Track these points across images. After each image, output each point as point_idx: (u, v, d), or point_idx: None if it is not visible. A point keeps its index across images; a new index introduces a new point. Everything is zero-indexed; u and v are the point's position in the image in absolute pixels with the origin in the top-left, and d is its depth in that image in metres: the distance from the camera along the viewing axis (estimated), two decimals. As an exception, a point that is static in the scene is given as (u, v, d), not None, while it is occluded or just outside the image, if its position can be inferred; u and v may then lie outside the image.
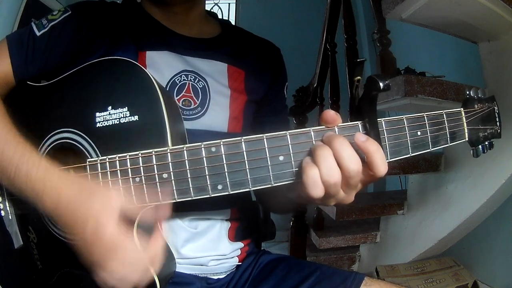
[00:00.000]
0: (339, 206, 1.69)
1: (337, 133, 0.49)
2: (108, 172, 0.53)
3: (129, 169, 0.52)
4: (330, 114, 0.49)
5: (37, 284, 0.66)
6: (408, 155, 0.52)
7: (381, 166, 0.46)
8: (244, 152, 0.49)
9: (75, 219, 0.50)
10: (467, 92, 0.58)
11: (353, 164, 0.46)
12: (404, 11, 1.28)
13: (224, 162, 0.49)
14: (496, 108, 0.59)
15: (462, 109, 0.56)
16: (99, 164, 0.54)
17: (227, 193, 0.50)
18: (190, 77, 0.74)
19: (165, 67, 0.73)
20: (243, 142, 0.49)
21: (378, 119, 0.49)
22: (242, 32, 0.91)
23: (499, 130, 0.59)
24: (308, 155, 0.49)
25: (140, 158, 0.52)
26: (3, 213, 0.67)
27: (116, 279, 0.49)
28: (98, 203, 0.50)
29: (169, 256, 0.67)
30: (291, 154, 0.49)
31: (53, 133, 0.61)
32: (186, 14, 0.79)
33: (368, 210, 1.75)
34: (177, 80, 0.73)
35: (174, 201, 0.51)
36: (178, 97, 0.73)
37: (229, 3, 3.78)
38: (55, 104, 0.63)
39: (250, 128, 0.82)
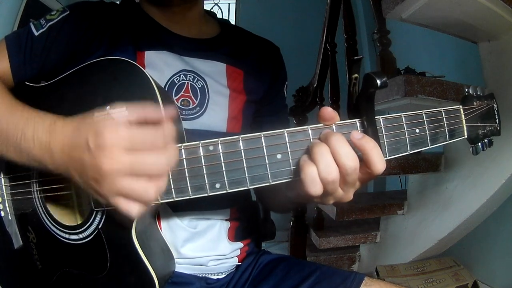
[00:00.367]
0: (339, 206, 1.69)
1: (335, 131, 0.49)
2: None
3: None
4: (328, 111, 0.49)
5: (37, 284, 0.66)
6: (407, 153, 0.52)
7: (378, 163, 0.46)
8: (242, 151, 0.49)
9: (78, 144, 0.46)
10: (466, 90, 0.58)
11: (350, 161, 0.45)
12: (404, 11, 1.28)
13: (222, 160, 0.49)
14: (495, 105, 0.59)
15: (460, 106, 0.56)
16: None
17: (225, 191, 0.50)
18: (189, 76, 0.74)
19: (164, 67, 0.73)
20: (240, 141, 0.49)
21: (376, 117, 0.49)
22: (241, 31, 0.91)
23: (498, 128, 0.59)
24: (305, 153, 0.49)
25: (139, 157, 0.52)
26: (2, 213, 0.67)
27: (136, 183, 0.44)
28: (98, 118, 0.48)
29: (168, 256, 0.67)
30: (289, 152, 0.49)
31: (52, 132, 0.61)
32: (185, 14, 0.79)
33: (368, 210, 1.75)
34: (176, 79, 0.73)
35: (173, 200, 0.51)
36: (177, 96, 0.73)
37: (229, 3, 3.79)
38: (53, 104, 0.63)
39: (250, 128, 0.82)
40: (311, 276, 0.73)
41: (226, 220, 0.78)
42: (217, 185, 0.50)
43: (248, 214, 0.85)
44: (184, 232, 0.72)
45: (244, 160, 0.49)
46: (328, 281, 0.72)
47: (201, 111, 0.74)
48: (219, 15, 0.92)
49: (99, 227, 0.58)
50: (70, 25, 0.70)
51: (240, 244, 0.81)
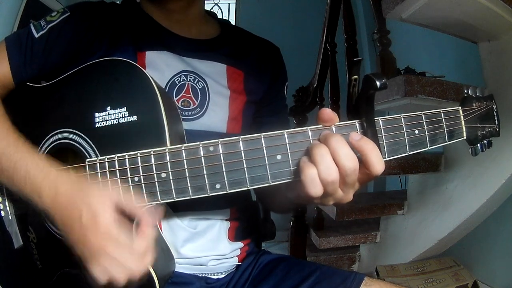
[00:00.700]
0: (339, 206, 1.69)
1: (334, 131, 0.50)
2: (107, 171, 0.54)
3: (128, 169, 0.53)
4: (327, 112, 0.49)
5: (37, 284, 0.66)
6: (406, 154, 0.52)
7: (377, 164, 0.46)
8: (242, 151, 0.49)
9: (71, 209, 0.51)
10: (465, 91, 0.58)
11: (350, 162, 0.46)
12: (404, 11, 1.28)
13: (222, 161, 0.49)
14: (494, 106, 0.59)
15: (460, 107, 0.56)
16: (98, 164, 0.54)
17: (225, 192, 0.50)
18: (190, 77, 0.75)
19: (165, 67, 0.73)
20: (240, 142, 0.49)
21: (375, 118, 0.50)
22: (241, 32, 0.91)
23: (497, 129, 0.59)
24: (305, 154, 0.49)
25: (139, 157, 0.52)
26: (3, 213, 0.67)
27: (111, 268, 0.49)
28: (95, 193, 0.51)
29: (168, 256, 0.67)
30: (289, 153, 0.49)
31: (52, 133, 0.61)
32: (185, 13, 0.79)
33: (368, 210, 1.75)
34: (177, 80, 0.73)
35: (173, 200, 0.51)
36: (178, 97, 0.73)
37: (229, 3, 3.78)
38: (54, 104, 0.64)
39: (250, 128, 0.82)
40: (311, 276, 0.73)
41: (226, 220, 0.78)
42: (218, 186, 0.50)
43: (248, 214, 0.85)
44: (184, 232, 0.72)
45: (244, 160, 0.49)
46: (328, 281, 0.72)
47: (202, 112, 0.74)
48: (219, 15, 0.92)
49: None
50: (70, 26, 0.70)
51: (240, 244, 0.81)
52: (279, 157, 0.49)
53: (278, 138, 0.49)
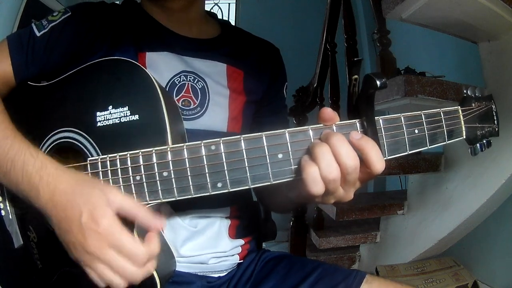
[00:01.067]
0: (339, 206, 1.70)
1: (335, 131, 0.50)
2: (109, 170, 0.54)
3: (130, 168, 0.53)
4: (328, 111, 0.50)
5: (37, 284, 0.66)
6: (406, 153, 0.52)
7: (377, 163, 0.47)
8: (244, 150, 0.49)
9: (70, 209, 0.49)
10: (464, 91, 0.58)
11: (350, 160, 0.46)
12: (404, 11, 1.28)
13: (224, 160, 0.50)
14: (493, 106, 0.59)
15: (459, 107, 0.57)
16: (99, 163, 0.55)
17: (226, 190, 0.50)
18: (190, 77, 0.75)
19: (165, 68, 0.74)
20: (242, 140, 0.49)
21: (375, 117, 0.50)
22: (241, 32, 0.91)
23: (497, 129, 0.59)
24: (306, 153, 0.49)
25: (141, 156, 0.52)
26: (3, 212, 0.67)
27: (111, 272, 0.48)
28: (96, 193, 0.49)
29: (168, 255, 0.67)
30: (290, 152, 0.49)
31: (53, 132, 0.61)
32: (185, 12, 0.79)
33: (368, 210, 1.75)
34: (177, 80, 0.74)
35: (174, 199, 0.51)
36: (178, 97, 0.73)
37: (229, 3, 3.79)
38: (55, 103, 0.64)
39: (250, 128, 0.83)
40: (313, 274, 0.73)
41: (226, 218, 0.79)
42: (219, 184, 0.50)
43: (249, 213, 0.86)
44: (185, 231, 0.73)
45: (245, 159, 0.49)
46: (329, 278, 0.72)
47: (202, 112, 0.75)
48: (219, 15, 0.93)
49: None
50: (71, 26, 0.70)
51: (241, 241, 0.81)
52: (280, 156, 0.49)
53: (279, 137, 0.49)
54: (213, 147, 0.50)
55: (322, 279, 0.72)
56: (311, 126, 0.50)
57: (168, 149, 0.52)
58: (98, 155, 0.56)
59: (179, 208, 0.72)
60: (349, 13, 1.90)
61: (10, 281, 0.69)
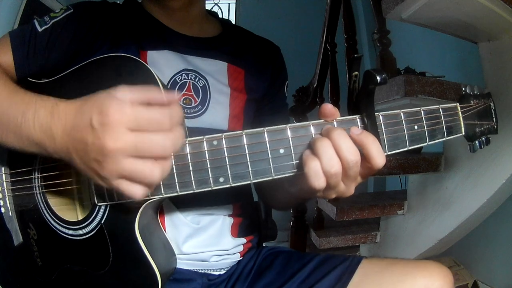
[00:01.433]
0: (339, 206, 1.70)
1: (335, 126, 0.50)
2: None
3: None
4: (329, 107, 0.50)
5: (37, 282, 0.66)
6: (406, 148, 0.53)
7: (378, 157, 0.47)
8: (245, 145, 0.50)
9: (81, 124, 0.44)
10: (463, 89, 0.59)
11: (352, 155, 0.46)
12: (404, 11, 1.28)
13: (226, 155, 0.50)
14: (492, 104, 0.60)
15: (458, 104, 0.57)
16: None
17: (228, 185, 0.51)
18: (191, 76, 0.75)
19: (166, 67, 0.74)
20: (244, 136, 0.50)
21: (375, 113, 0.50)
22: (242, 31, 0.92)
23: (495, 126, 0.60)
24: (307, 148, 0.49)
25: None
26: (3, 209, 0.67)
27: (140, 165, 0.43)
28: (102, 95, 0.45)
29: (170, 252, 0.67)
30: (291, 147, 0.50)
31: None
32: (186, 12, 0.80)
33: (368, 210, 1.75)
34: (178, 79, 0.74)
35: (177, 194, 0.51)
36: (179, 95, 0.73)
37: (229, 3, 3.79)
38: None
39: (251, 126, 0.83)
40: (311, 262, 0.74)
41: (229, 216, 0.79)
42: (221, 179, 0.50)
43: (251, 212, 0.86)
44: (187, 228, 0.73)
45: (247, 154, 0.50)
46: (327, 264, 0.73)
47: (203, 110, 0.75)
48: (219, 15, 0.93)
49: (102, 222, 0.58)
50: (73, 23, 0.71)
51: (243, 240, 0.81)
52: (282, 151, 0.50)
53: (281, 132, 0.50)
54: (215, 142, 0.50)
55: (320, 265, 0.73)
56: (312, 122, 0.51)
57: None
58: (100, 151, 0.56)
59: (181, 204, 0.72)
60: (349, 13, 1.90)
61: (10, 279, 0.69)
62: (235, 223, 0.80)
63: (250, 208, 0.86)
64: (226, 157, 0.50)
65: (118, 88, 0.45)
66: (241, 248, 0.81)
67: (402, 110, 0.52)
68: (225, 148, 0.50)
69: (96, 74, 0.60)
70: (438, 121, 0.54)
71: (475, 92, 0.59)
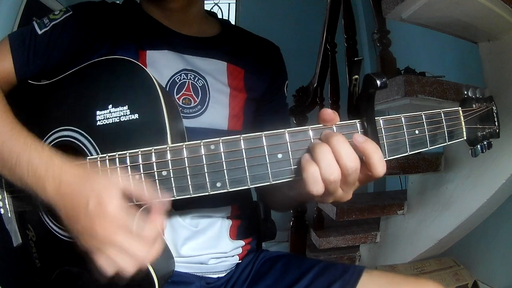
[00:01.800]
0: (339, 206, 1.70)
1: (335, 131, 0.50)
2: (108, 169, 0.54)
3: (129, 167, 0.53)
4: (328, 112, 0.49)
5: (36, 283, 0.66)
6: (406, 154, 0.52)
7: (379, 167, 0.47)
8: (243, 150, 0.49)
9: (77, 199, 0.49)
10: (465, 92, 0.58)
11: (351, 161, 0.46)
12: (404, 11, 1.28)
13: (223, 159, 0.49)
14: (494, 108, 0.59)
15: (460, 108, 0.57)
16: (99, 161, 0.54)
17: (226, 190, 0.50)
18: (190, 76, 0.75)
19: (165, 66, 0.74)
20: (242, 140, 0.49)
21: (376, 118, 0.50)
22: (241, 31, 0.91)
23: (497, 130, 0.59)
24: (306, 152, 0.49)
25: (140, 155, 0.52)
26: (2, 211, 0.67)
27: (119, 258, 0.47)
28: (101, 181, 0.50)
29: (167, 255, 0.67)
30: (290, 152, 0.49)
31: (53, 131, 0.61)
32: (185, 12, 0.80)
33: (368, 210, 1.75)
34: (177, 79, 0.74)
35: (173, 198, 0.51)
36: (178, 95, 0.73)
37: (229, 3, 3.78)
38: (55, 102, 0.64)
39: (251, 126, 0.83)
40: (311, 271, 0.73)
41: (227, 218, 0.79)
42: (218, 184, 0.50)
43: (250, 213, 0.86)
44: (186, 231, 0.73)
45: (245, 159, 0.49)
46: (327, 275, 0.72)
47: (202, 109, 0.75)
48: (219, 15, 0.93)
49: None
50: (73, 25, 0.70)
51: (241, 243, 0.81)
52: (280, 156, 0.49)
53: (279, 137, 0.49)
54: (212, 147, 0.49)
55: (320, 276, 0.72)
56: (311, 126, 0.50)
57: (168, 148, 0.51)
58: (98, 154, 0.56)
59: (179, 207, 0.72)
60: (349, 13, 1.90)
61: (9, 280, 0.69)
62: (234, 225, 0.80)
63: (249, 209, 0.86)
64: (224, 162, 0.49)
65: (117, 176, 0.51)
66: (239, 250, 0.81)
67: (403, 115, 0.51)
68: (222, 153, 0.49)
69: (94, 76, 0.61)
70: (439, 125, 0.54)
71: (477, 96, 0.58)
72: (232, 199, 0.78)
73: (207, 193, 0.50)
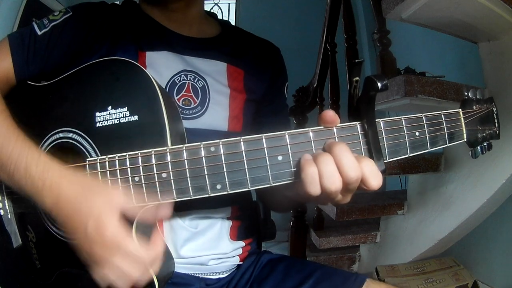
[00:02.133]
0: (339, 206, 1.70)
1: (335, 133, 0.50)
2: (108, 171, 0.54)
3: (128, 169, 0.52)
4: (329, 114, 0.49)
5: (36, 284, 0.66)
6: (407, 155, 0.52)
7: (373, 180, 0.47)
8: (243, 152, 0.49)
9: (75, 217, 0.50)
10: (466, 93, 0.58)
11: (353, 171, 0.45)
12: (404, 11, 1.28)
13: (223, 161, 0.49)
14: (494, 109, 0.59)
15: (460, 110, 0.57)
16: (98, 163, 0.54)
17: (226, 192, 0.50)
18: (190, 76, 0.75)
19: (165, 67, 0.74)
20: (242, 142, 0.49)
21: (376, 120, 0.50)
22: (241, 32, 0.91)
23: (497, 131, 0.59)
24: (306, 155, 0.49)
25: (140, 157, 0.52)
26: (2, 212, 0.67)
27: (115, 277, 0.48)
28: (100, 202, 0.49)
29: (167, 256, 0.67)
30: (290, 154, 0.49)
31: (52, 132, 0.61)
32: (184, 12, 0.79)
33: (368, 210, 1.75)
34: (177, 80, 0.74)
35: (174, 200, 0.51)
36: (178, 96, 0.73)
37: (229, 3, 3.78)
38: (55, 103, 0.64)
39: (251, 127, 0.83)
40: (312, 276, 0.73)
41: (227, 218, 0.79)
42: (218, 186, 0.50)
43: (249, 213, 0.86)
44: (185, 232, 0.73)
45: (245, 161, 0.49)
46: (328, 282, 0.72)
47: (202, 111, 0.74)
48: (219, 15, 0.93)
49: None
50: (72, 26, 0.70)
51: (241, 243, 0.81)
52: (280, 158, 0.49)
53: (279, 139, 0.49)
54: (212, 149, 0.49)
55: (320, 282, 0.72)
56: (312, 128, 0.50)
57: (167, 150, 0.51)
58: (97, 155, 0.56)
59: (179, 208, 0.71)
60: (349, 13, 1.89)
61: (9, 281, 0.69)
62: (234, 226, 0.79)
63: (249, 210, 0.86)
64: (224, 164, 0.49)
65: (116, 192, 0.51)
66: (240, 251, 0.81)
67: (404, 117, 0.51)
68: (222, 155, 0.49)
69: (94, 78, 0.60)
70: (440, 127, 0.54)
71: (477, 97, 0.58)
72: (233, 200, 0.78)
73: (207, 195, 0.50)
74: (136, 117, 0.56)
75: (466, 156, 1.46)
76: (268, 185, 0.50)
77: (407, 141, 0.52)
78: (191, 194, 0.50)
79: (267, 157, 0.49)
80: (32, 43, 0.69)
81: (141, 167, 0.52)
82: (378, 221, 1.93)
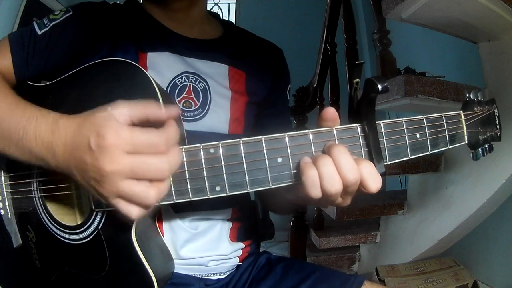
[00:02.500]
0: (339, 206, 1.70)
1: (335, 135, 0.49)
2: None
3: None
4: (330, 112, 0.49)
5: (36, 284, 0.66)
6: (407, 158, 0.52)
7: (372, 183, 0.46)
8: (243, 154, 0.49)
9: (79, 143, 0.45)
10: (467, 95, 0.58)
11: (352, 174, 0.45)
12: (404, 11, 1.28)
13: (223, 163, 0.49)
14: (496, 111, 0.59)
15: (461, 112, 0.56)
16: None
17: (225, 194, 0.50)
18: (191, 78, 0.74)
19: (166, 69, 0.73)
20: (241, 144, 0.49)
21: (377, 122, 0.49)
22: (244, 33, 0.90)
23: (499, 133, 0.59)
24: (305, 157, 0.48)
25: (139, 158, 0.52)
26: (2, 212, 0.67)
27: (138, 182, 0.44)
28: (100, 116, 0.46)
29: (167, 257, 0.67)
30: (289, 156, 0.49)
31: (52, 133, 0.61)
32: (187, 13, 0.79)
33: (368, 210, 1.75)
34: (178, 81, 0.73)
35: (173, 202, 0.51)
36: (179, 98, 0.73)
37: (229, 3, 3.78)
38: (54, 104, 0.63)
39: (252, 129, 0.82)
40: (310, 277, 0.73)
41: (227, 220, 0.78)
42: (218, 188, 0.50)
43: (249, 214, 0.86)
44: (185, 233, 0.72)
45: (244, 163, 0.49)
46: (327, 283, 0.72)
47: (203, 113, 0.74)
48: (220, 16, 0.92)
49: (99, 227, 0.58)
50: (73, 25, 0.70)
51: (241, 245, 0.81)
52: (279, 160, 0.49)
53: (279, 140, 0.49)
54: (212, 150, 0.49)
55: (318, 283, 0.72)
56: (311, 130, 0.49)
57: None
58: (97, 157, 0.56)
59: (179, 209, 0.71)
60: (349, 13, 1.89)
61: (9, 281, 0.70)
62: (234, 227, 0.79)
63: (248, 210, 0.86)
64: (223, 166, 0.49)
65: (116, 105, 0.46)
66: (239, 252, 0.81)
67: (404, 119, 0.51)
68: (222, 157, 0.49)
69: (94, 78, 0.60)
70: (441, 129, 0.53)
71: (479, 98, 0.58)
72: (232, 202, 0.78)
73: (206, 197, 0.50)
74: (135, 119, 0.56)
75: (466, 156, 1.46)
76: (268, 187, 0.49)
77: (407, 143, 0.52)
78: (190, 195, 0.50)
79: (266, 159, 0.49)
80: (32, 43, 0.68)
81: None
82: (378, 221, 1.93)
